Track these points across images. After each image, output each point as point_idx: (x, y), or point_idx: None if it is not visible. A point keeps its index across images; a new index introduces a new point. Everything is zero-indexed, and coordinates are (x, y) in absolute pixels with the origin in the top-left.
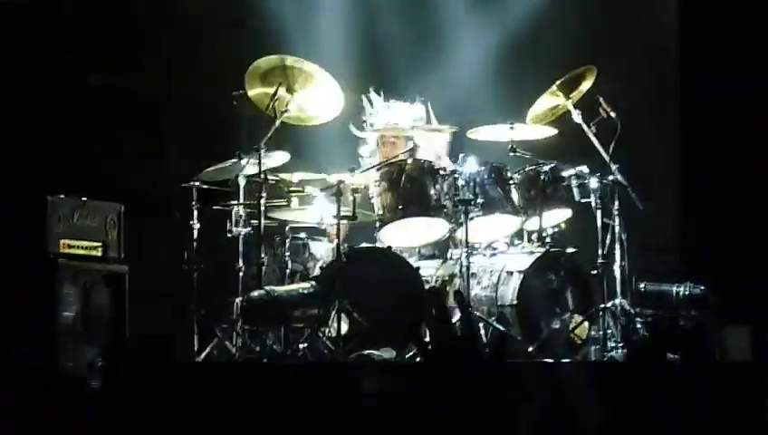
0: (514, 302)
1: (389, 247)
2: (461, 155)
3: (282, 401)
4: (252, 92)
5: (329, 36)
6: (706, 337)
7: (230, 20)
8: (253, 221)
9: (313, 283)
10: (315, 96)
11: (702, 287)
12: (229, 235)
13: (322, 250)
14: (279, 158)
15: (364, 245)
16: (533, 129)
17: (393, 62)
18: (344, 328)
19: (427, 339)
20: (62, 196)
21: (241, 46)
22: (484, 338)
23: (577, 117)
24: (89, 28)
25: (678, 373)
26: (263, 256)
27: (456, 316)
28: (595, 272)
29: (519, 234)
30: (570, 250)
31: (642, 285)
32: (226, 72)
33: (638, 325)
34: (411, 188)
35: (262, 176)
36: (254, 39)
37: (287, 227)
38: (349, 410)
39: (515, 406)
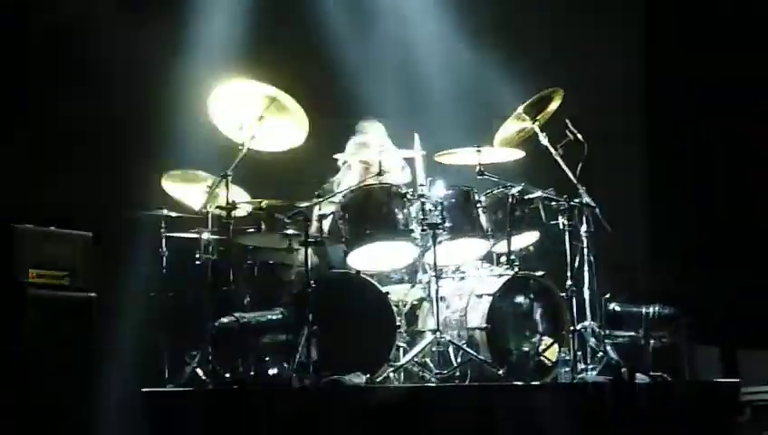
0: (484, 325)
1: (358, 272)
2: (428, 178)
3: (253, 426)
4: (217, 119)
5: (296, 62)
6: (677, 357)
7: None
8: (221, 248)
9: (282, 309)
10: (282, 122)
11: (671, 307)
12: (198, 262)
13: (291, 276)
14: None
15: (333, 270)
16: (501, 152)
17: (360, 85)
18: (314, 354)
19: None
20: (30, 225)
21: (210, 71)
22: None
23: (543, 139)
24: (55, 58)
25: (650, 393)
26: (232, 282)
27: None
28: (564, 294)
29: (488, 257)
30: (538, 273)
31: (612, 307)
32: (194, 96)
33: (609, 347)
34: (378, 212)
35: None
36: (222, 64)
37: (256, 253)
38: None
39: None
